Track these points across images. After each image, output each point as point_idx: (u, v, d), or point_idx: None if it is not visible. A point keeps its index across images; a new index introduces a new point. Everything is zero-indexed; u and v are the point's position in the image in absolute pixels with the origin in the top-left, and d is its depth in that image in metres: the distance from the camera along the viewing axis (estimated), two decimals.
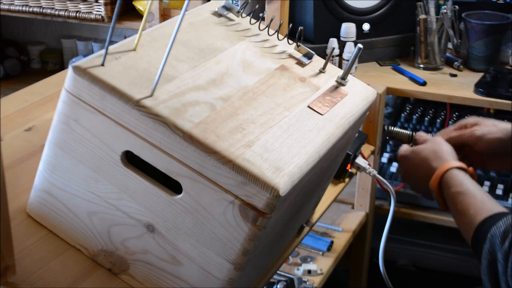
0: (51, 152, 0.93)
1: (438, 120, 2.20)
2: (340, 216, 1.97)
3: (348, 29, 1.81)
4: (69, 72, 0.86)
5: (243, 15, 1.10)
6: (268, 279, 1.11)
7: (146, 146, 0.85)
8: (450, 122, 2.16)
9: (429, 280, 2.19)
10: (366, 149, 1.70)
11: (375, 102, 1.50)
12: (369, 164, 1.45)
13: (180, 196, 0.86)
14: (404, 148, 1.32)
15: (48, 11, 2.19)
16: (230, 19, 1.08)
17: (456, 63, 1.87)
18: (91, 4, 2.14)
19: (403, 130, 1.43)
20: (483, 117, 1.32)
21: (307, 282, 1.70)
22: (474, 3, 1.96)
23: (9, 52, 2.62)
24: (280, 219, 0.92)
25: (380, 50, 1.93)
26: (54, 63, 2.66)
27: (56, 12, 2.18)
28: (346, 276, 2.15)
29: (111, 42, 0.88)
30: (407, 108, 2.24)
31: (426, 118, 2.22)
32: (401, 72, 1.86)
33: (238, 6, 1.09)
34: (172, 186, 0.87)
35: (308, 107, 0.96)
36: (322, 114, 0.96)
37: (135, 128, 0.85)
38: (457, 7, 1.84)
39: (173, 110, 0.84)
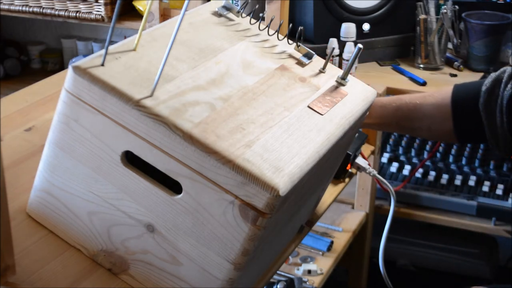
0: (51, 152, 0.93)
1: None
2: (340, 216, 1.97)
3: (348, 29, 1.81)
4: (69, 72, 0.86)
5: (243, 15, 1.10)
6: (268, 279, 1.11)
7: (146, 146, 0.85)
8: None
9: (429, 280, 2.19)
10: (366, 149, 1.70)
11: None
12: (369, 164, 1.44)
13: (180, 196, 0.86)
14: None
15: (48, 11, 2.19)
16: (230, 19, 1.08)
17: (456, 63, 1.87)
18: (91, 4, 2.14)
19: None
20: None
21: (307, 282, 1.70)
22: (474, 3, 1.96)
23: (9, 52, 2.62)
24: (280, 219, 0.92)
25: (380, 50, 1.93)
26: (54, 63, 2.66)
27: (56, 12, 2.18)
28: (346, 276, 2.15)
29: (111, 42, 0.88)
30: None
31: None
32: (401, 72, 1.86)
33: (238, 6, 1.09)
34: (172, 186, 0.87)
35: (308, 107, 0.96)
36: (322, 114, 0.96)
37: (135, 128, 0.85)
38: (457, 7, 1.84)
39: (173, 110, 0.84)
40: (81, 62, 0.87)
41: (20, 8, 2.21)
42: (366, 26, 1.88)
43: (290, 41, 1.08)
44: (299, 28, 1.07)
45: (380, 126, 1.37)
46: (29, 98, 1.29)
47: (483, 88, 1.27)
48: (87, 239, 0.95)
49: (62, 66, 2.66)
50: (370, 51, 1.91)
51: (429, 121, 1.32)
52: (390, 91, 1.79)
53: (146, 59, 0.91)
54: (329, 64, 1.06)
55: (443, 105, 1.30)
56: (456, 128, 1.30)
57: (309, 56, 1.06)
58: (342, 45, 1.81)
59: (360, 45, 1.05)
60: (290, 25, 1.08)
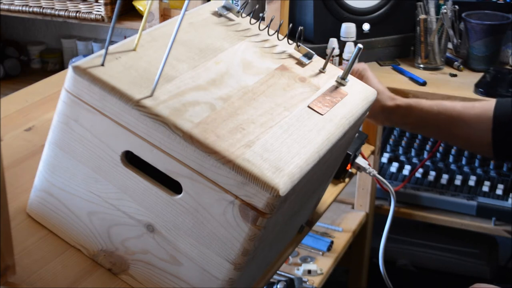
0: (51, 152, 0.93)
1: None
2: (340, 216, 1.97)
3: (348, 29, 1.81)
4: (69, 72, 0.86)
5: (243, 15, 1.10)
6: (268, 279, 1.11)
7: (146, 146, 0.85)
8: None
9: (429, 280, 2.19)
10: (366, 149, 1.70)
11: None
12: (369, 164, 1.45)
13: (180, 196, 0.86)
14: None
15: (48, 11, 2.19)
16: (230, 19, 1.08)
17: (456, 63, 1.87)
18: (91, 4, 2.14)
19: None
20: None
21: (307, 282, 1.70)
22: (474, 3, 1.96)
23: (9, 52, 2.62)
24: (280, 219, 0.92)
25: (380, 50, 1.92)
26: (54, 63, 2.66)
27: (56, 12, 2.18)
28: (346, 276, 2.15)
29: (111, 42, 0.88)
30: None
31: None
32: (401, 72, 1.86)
33: (238, 6, 1.09)
34: (172, 186, 0.87)
35: (308, 107, 0.96)
36: (322, 114, 0.96)
37: (135, 128, 0.85)
38: (457, 7, 1.84)
39: (173, 110, 0.84)
40: (81, 62, 0.87)
41: (20, 8, 2.21)
42: (366, 26, 1.88)
43: (290, 41, 1.08)
44: (299, 28, 1.07)
45: (415, 128, 1.38)
46: (29, 98, 1.29)
47: None
48: (87, 239, 0.95)
49: (62, 66, 2.66)
50: (370, 51, 1.91)
51: (469, 130, 1.32)
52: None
53: (146, 59, 0.91)
54: (329, 64, 1.06)
55: (485, 117, 1.30)
56: (494, 142, 1.30)
57: (309, 56, 1.06)
58: (342, 45, 1.80)
59: (360, 45, 1.05)
60: (290, 25, 1.08)
